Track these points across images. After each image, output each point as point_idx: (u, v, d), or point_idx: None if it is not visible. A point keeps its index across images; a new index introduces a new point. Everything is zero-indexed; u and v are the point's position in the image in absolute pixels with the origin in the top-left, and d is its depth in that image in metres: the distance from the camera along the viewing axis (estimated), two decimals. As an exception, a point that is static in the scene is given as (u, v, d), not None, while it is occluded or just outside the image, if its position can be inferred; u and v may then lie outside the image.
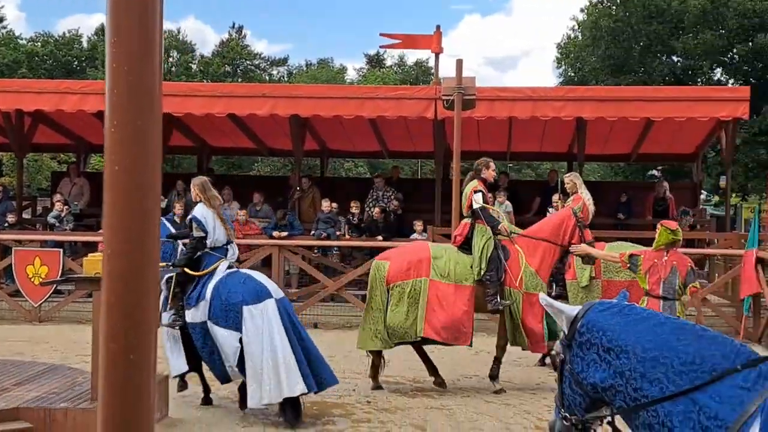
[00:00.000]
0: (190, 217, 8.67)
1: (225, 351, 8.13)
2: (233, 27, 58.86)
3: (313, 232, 15.51)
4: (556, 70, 43.22)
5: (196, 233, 8.49)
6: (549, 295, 10.22)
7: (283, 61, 60.50)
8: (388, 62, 62.59)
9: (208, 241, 8.50)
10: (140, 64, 2.72)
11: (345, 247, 15.90)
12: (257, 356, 7.89)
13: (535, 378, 10.29)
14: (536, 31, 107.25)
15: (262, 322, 7.94)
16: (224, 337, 8.09)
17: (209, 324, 8.19)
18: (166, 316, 8.50)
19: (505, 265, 9.79)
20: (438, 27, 16.38)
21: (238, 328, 7.98)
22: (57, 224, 16.20)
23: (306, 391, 7.95)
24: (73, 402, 7.28)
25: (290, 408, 8.08)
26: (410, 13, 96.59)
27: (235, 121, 17.45)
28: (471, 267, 9.85)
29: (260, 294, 8.10)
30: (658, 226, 8.55)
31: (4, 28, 58.70)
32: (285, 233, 15.34)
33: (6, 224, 16.18)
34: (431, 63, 18.16)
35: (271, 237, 15.23)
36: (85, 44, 55.47)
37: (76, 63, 53.58)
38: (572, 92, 17.22)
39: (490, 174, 10.30)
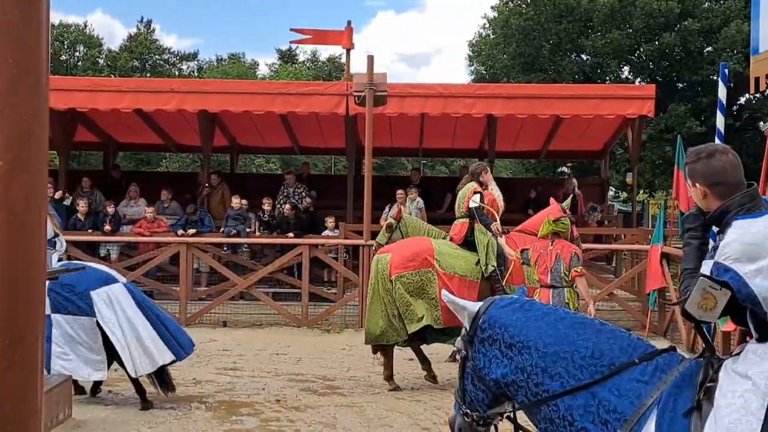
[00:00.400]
0: None
1: (71, 337, 8.24)
2: (141, 21, 57.79)
3: (222, 229, 15.30)
4: (469, 67, 43.65)
5: None
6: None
7: (193, 56, 59.67)
8: (301, 58, 62.32)
9: None
10: (25, 58, 2.62)
11: (255, 245, 15.71)
12: (120, 335, 8.25)
13: (445, 374, 10.29)
14: (449, 28, 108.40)
15: (114, 303, 8.31)
16: (72, 324, 8.25)
17: (54, 316, 8.23)
18: None
19: (508, 262, 9.87)
20: (349, 23, 16.38)
21: (88, 313, 8.25)
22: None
23: (175, 359, 8.50)
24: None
25: (158, 378, 8.55)
26: (324, 8, 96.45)
27: (143, 116, 17.11)
28: (476, 264, 9.87)
29: (106, 279, 8.52)
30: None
31: None
32: (193, 230, 15.09)
33: None
34: (344, 59, 18.09)
35: (176, 234, 14.98)
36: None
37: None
38: (483, 89, 17.38)
39: (487, 178, 10.54)
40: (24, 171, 2.63)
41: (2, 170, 2.59)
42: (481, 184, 10.42)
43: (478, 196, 10.21)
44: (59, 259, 8.83)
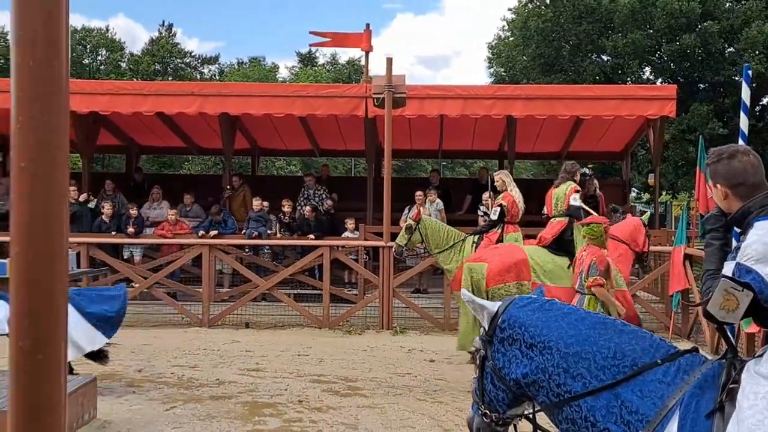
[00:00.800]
0: None
1: None
2: (163, 25, 58.06)
3: (244, 231, 15.37)
4: (488, 69, 43.65)
5: None
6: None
7: (215, 60, 59.84)
8: (321, 61, 62.42)
9: None
10: (46, 60, 2.65)
11: (276, 246, 15.77)
12: None
13: (468, 376, 10.28)
14: (469, 30, 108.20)
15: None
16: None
17: None
18: None
19: None
20: (368, 25, 16.40)
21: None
22: (-20, 226, 15.76)
23: (107, 340, 8.89)
24: (-6, 404, 7.06)
25: (94, 356, 8.93)
26: (344, 11, 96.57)
27: (164, 119, 17.21)
28: (567, 267, 9.79)
29: None
30: None
31: None
32: (215, 231, 15.17)
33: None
34: (364, 62, 18.11)
35: (199, 236, 15.08)
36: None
37: (2, 61, 52.32)
38: (502, 90, 17.33)
39: (578, 177, 10.62)
40: (46, 173, 2.65)
41: (24, 173, 2.63)
42: (576, 182, 10.44)
43: (578, 195, 10.20)
44: None
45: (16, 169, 2.62)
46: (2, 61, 52.18)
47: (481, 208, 14.87)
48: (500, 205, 11.32)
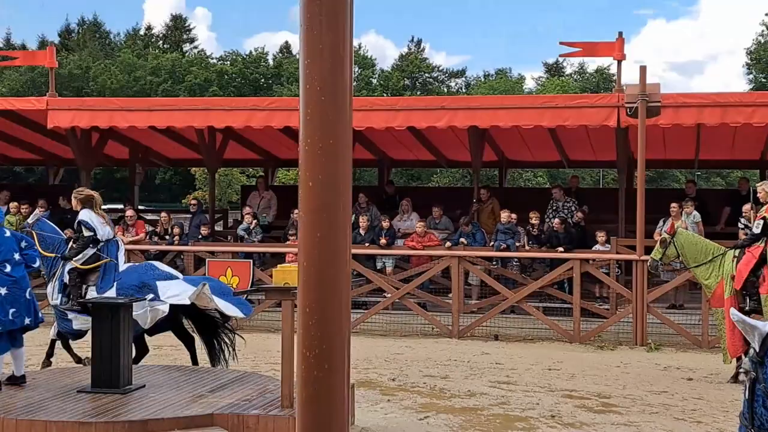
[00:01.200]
0: (78, 220, 9.87)
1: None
2: (412, 40, 59.69)
3: (492, 243, 15.46)
4: (747, 75, 41.46)
5: (86, 233, 9.72)
6: (741, 309, 9.81)
7: (461, 73, 60.79)
8: (568, 70, 61.70)
9: (99, 236, 9.78)
10: (332, 84, 2.81)
11: (525, 259, 15.73)
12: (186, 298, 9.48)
13: (728, 395, 9.83)
14: (724, 35, 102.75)
15: (177, 288, 9.52)
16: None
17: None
18: (60, 299, 9.87)
19: None
20: (620, 33, 15.96)
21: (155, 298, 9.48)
22: (246, 236, 16.86)
23: (247, 314, 10.09)
24: (265, 409, 7.51)
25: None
26: (593, 19, 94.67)
27: (415, 133, 17.64)
28: None
29: (168, 275, 9.83)
30: None
31: (196, 48, 61.88)
32: (465, 241, 15.34)
33: (200, 236, 16.99)
34: (612, 70, 17.72)
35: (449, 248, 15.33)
36: (270, 62, 57.72)
37: (263, 80, 55.78)
38: (764, 97, 16.41)
39: None
40: (333, 190, 2.82)
41: (313, 190, 2.79)
42: None
43: None
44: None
45: (305, 188, 2.80)
46: (262, 80, 55.60)
47: (742, 220, 14.13)
48: (764, 218, 10.70)
